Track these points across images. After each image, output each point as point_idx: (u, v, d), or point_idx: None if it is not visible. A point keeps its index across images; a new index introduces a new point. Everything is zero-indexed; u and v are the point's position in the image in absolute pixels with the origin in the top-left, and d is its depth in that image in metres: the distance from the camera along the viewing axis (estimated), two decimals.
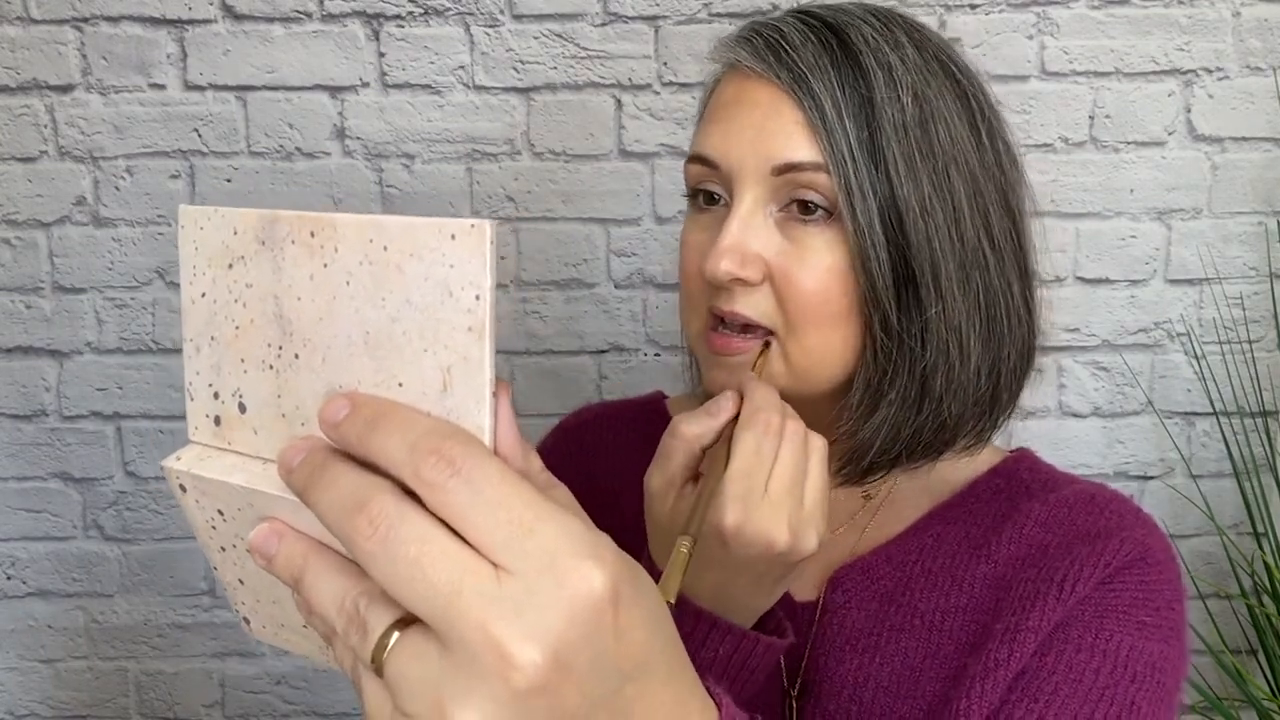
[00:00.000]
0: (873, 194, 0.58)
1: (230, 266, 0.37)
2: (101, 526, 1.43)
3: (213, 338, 0.38)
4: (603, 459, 0.80)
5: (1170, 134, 1.37)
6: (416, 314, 0.32)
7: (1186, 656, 0.62)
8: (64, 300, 1.39)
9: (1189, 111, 1.36)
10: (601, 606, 0.30)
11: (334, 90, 1.36)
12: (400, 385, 0.33)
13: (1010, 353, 0.63)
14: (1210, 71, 1.35)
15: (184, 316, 0.39)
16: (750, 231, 0.59)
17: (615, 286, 1.39)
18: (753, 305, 0.60)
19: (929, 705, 0.61)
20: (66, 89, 1.35)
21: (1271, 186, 1.38)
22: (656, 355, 1.41)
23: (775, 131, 0.59)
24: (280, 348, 0.36)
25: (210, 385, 0.39)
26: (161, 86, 1.35)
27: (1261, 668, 1.37)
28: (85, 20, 1.34)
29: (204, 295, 0.38)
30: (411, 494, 0.31)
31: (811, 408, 0.63)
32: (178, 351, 1.35)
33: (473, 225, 0.31)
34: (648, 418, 0.81)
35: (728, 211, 0.61)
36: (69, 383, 1.40)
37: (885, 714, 0.62)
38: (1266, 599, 1.33)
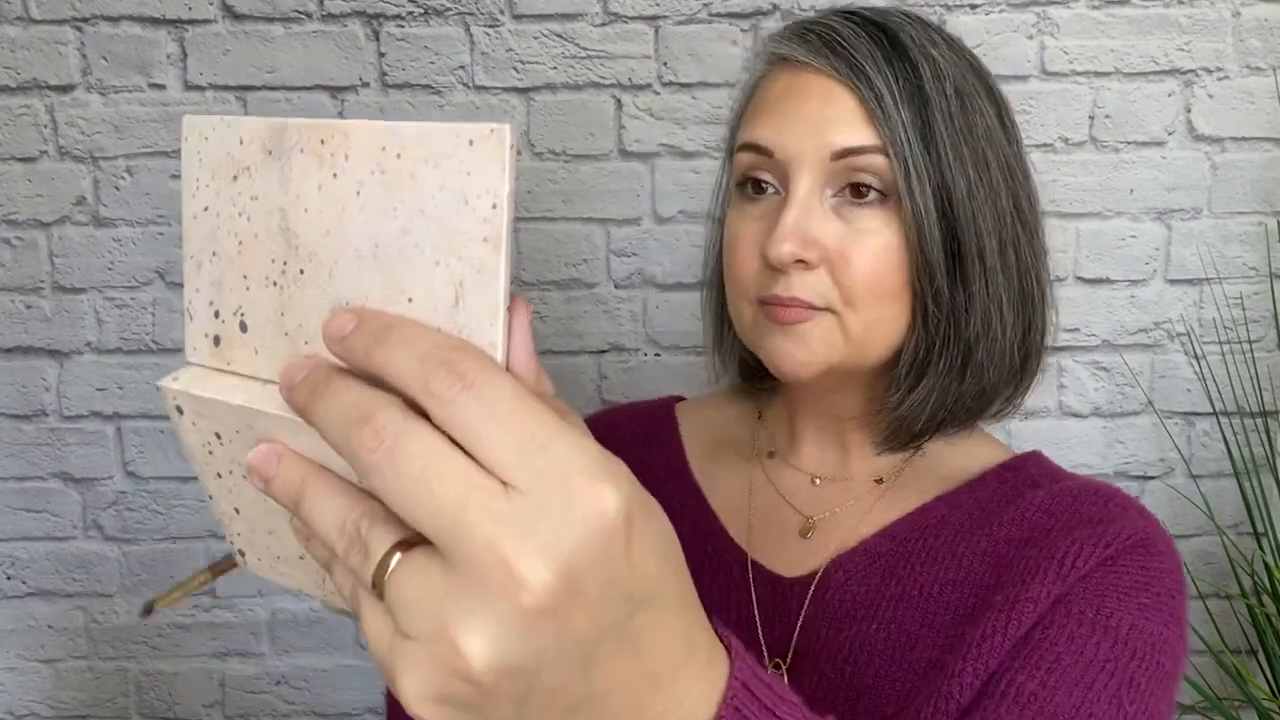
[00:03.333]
0: (928, 176, 0.61)
1: (235, 179, 0.36)
2: (101, 526, 1.43)
3: (214, 253, 0.37)
4: None
5: (1170, 134, 1.37)
6: (430, 225, 0.31)
7: (1185, 646, 0.62)
8: (64, 300, 1.39)
9: (1189, 111, 1.36)
10: (615, 528, 0.29)
11: (334, 90, 1.36)
12: (410, 300, 0.32)
13: (1037, 325, 0.69)
14: (1210, 71, 1.35)
15: (185, 232, 0.37)
16: (809, 216, 0.62)
17: (615, 286, 1.39)
18: (809, 287, 0.63)
19: (924, 672, 0.62)
20: (66, 89, 1.35)
21: (1271, 186, 1.38)
22: (656, 355, 1.41)
23: (833, 119, 0.62)
24: (285, 263, 0.35)
25: (211, 303, 0.37)
26: (161, 86, 1.35)
27: (1261, 668, 1.37)
28: (85, 20, 1.34)
29: (206, 209, 0.37)
30: (419, 411, 0.30)
31: (853, 381, 0.68)
32: (178, 351, 1.35)
33: (492, 130, 0.30)
34: (654, 420, 0.82)
35: (780, 200, 0.64)
36: (69, 383, 1.40)
37: (881, 678, 0.63)
38: (1266, 599, 1.32)
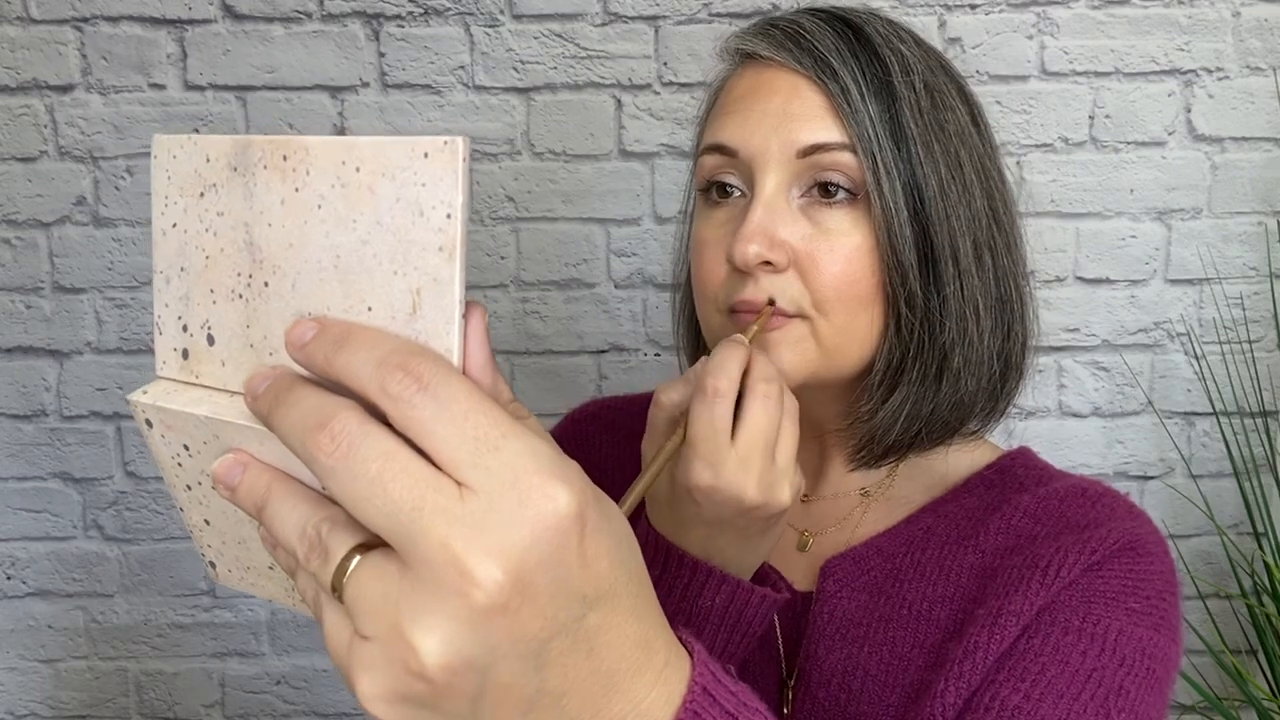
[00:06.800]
0: (897, 172, 0.59)
1: (202, 195, 0.36)
2: (101, 526, 1.43)
3: (182, 269, 0.37)
4: (605, 452, 0.80)
5: (1170, 134, 1.37)
6: (387, 236, 0.32)
7: (1179, 649, 0.61)
8: (64, 300, 1.39)
9: (1189, 111, 1.36)
10: (566, 527, 0.30)
11: (334, 90, 1.36)
12: (369, 310, 0.33)
13: (1017, 332, 0.66)
14: (1210, 71, 1.35)
15: (154, 248, 0.38)
16: (775, 216, 0.60)
17: (615, 286, 1.39)
18: (779, 291, 0.60)
19: (915, 695, 0.61)
20: (66, 89, 1.35)
21: (1271, 186, 1.38)
22: (656, 355, 1.41)
23: (799, 115, 0.60)
24: (250, 276, 0.36)
25: (179, 318, 0.38)
26: (161, 86, 1.35)
27: (1261, 668, 1.37)
28: (85, 20, 1.34)
29: (175, 226, 0.37)
30: (377, 415, 0.31)
31: (830, 392, 0.65)
32: None
33: (445, 142, 0.31)
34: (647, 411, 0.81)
35: (746, 202, 0.62)
36: (69, 383, 1.40)
37: (874, 702, 0.62)
38: (1266, 599, 1.33)
